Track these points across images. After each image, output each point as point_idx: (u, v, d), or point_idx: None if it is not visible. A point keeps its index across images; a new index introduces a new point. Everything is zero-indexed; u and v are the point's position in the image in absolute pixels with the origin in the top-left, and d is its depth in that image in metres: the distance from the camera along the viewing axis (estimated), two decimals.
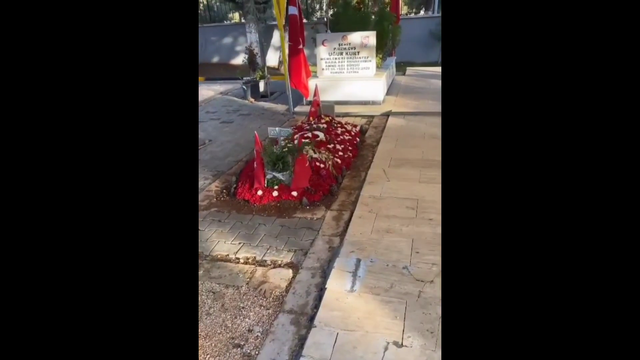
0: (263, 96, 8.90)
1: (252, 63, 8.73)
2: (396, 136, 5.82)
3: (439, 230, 3.42)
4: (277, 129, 4.35)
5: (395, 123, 6.48)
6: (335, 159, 4.95)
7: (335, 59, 7.50)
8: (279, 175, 4.26)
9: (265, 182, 4.30)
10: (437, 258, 3.07)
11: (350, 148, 5.42)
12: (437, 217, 3.62)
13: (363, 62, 7.40)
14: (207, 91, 9.93)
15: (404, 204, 3.91)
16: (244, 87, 8.74)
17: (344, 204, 4.16)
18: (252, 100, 8.67)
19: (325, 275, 3.08)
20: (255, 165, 4.32)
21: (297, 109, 7.53)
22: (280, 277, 3.13)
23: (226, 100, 8.92)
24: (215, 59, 15.05)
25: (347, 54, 7.43)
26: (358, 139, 5.85)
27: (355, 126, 6.32)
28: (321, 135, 5.46)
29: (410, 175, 4.49)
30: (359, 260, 3.11)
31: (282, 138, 4.36)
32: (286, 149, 4.16)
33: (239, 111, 8.02)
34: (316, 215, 3.99)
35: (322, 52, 7.53)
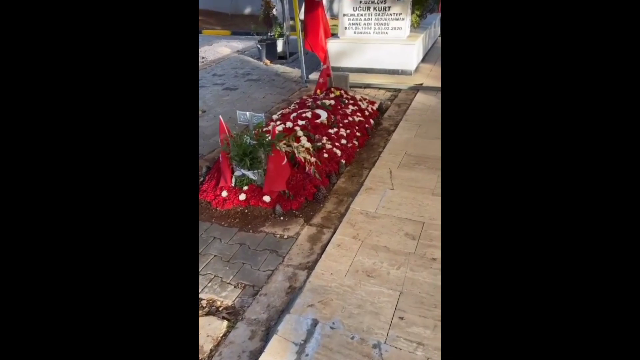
0: (281, 57, 7.81)
1: (268, 18, 7.58)
2: (420, 120, 4.65)
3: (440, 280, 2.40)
4: (247, 113, 3.37)
5: (423, 101, 5.25)
6: (334, 149, 3.93)
7: (361, 15, 6.22)
8: (250, 174, 3.33)
9: (233, 180, 3.40)
10: (428, 332, 2.09)
11: (358, 134, 4.35)
12: None
13: (394, 20, 6.08)
14: (224, 48, 8.96)
15: (404, 229, 2.88)
16: (259, 46, 7.67)
17: (328, 218, 3.20)
18: (268, 62, 7.62)
19: (267, 339, 2.21)
20: (220, 158, 3.41)
21: (313, 76, 6.41)
22: (207, 333, 2.29)
23: (239, 61, 7.92)
24: (247, 10, 13.87)
25: (375, 9, 6.12)
26: (372, 121, 4.74)
27: (372, 103, 5.17)
28: (323, 116, 4.42)
29: (423, 183, 3.40)
30: (315, 323, 2.20)
31: (252, 126, 3.38)
32: (256, 141, 3.19)
33: (248, 75, 7.03)
34: (288, 232, 3.07)
35: (346, 6, 6.26)
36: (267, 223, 3.19)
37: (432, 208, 3.07)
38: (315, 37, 6.20)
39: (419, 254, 2.64)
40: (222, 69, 7.46)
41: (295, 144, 3.64)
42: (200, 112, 5.48)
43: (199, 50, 8.88)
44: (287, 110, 4.84)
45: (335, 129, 4.27)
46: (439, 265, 2.52)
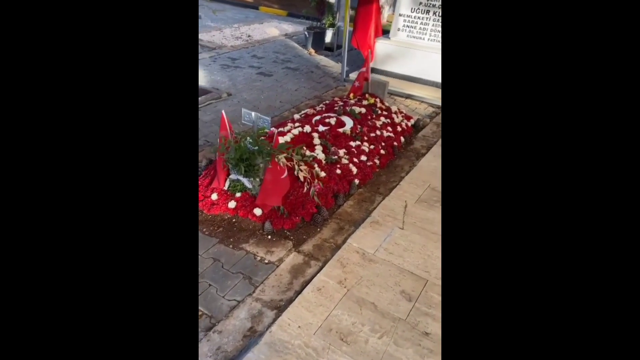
0: (328, 48, 7.35)
1: (322, 4, 7.10)
2: None
3: None
4: (252, 114, 2.98)
5: None
6: (350, 165, 3.48)
7: (418, 18, 5.63)
8: (245, 181, 2.96)
9: (227, 183, 3.04)
10: None
11: (382, 152, 3.87)
12: (439, 328, 2.11)
13: None
14: (273, 29, 8.60)
15: (401, 284, 2.42)
16: (306, 33, 7.24)
17: (321, 247, 2.78)
18: (312, 51, 7.18)
19: None
20: (216, 157, 3.04)
21: (354, 75, 5.92)
22: None
23: (283, 46, 7.53)
24: None
25: (435, 14, 5.51)
26: (403, 139, 4.23)
27: (408, 118, 4.64)
28: (348, 126, 3.96)
29: (439, 228, 2.90)
30: None
31: (257, 129, 2.99)
32: (256, 147, 2.80)
33: (288, 62, 6.63)
34: (271, 256, 2.68)
35: (403, 5, 5.69)
36: (251, 240, 2.81)
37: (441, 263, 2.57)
38: (364, 33, 5.73)
39: (411, 322, 2.18)
40: (264, 51, 7.10)
41: (306, 153, 3.24)
42: (225, 95, 5.15)
43: (248, 27, 8.58)
44: (313, 111, 4.41)
45: (358, 142, 3.81)
46: (431, 344, 2.05)
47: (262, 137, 2.87)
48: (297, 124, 3.85)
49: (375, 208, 3.14)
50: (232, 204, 2.95)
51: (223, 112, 2.95)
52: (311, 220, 2.98)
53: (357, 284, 2.39)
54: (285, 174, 2.87)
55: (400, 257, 2.61)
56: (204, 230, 2.86)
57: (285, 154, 2.76)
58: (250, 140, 2.89)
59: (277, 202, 2.91)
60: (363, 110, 4.29)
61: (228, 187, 3.03)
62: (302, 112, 4.45)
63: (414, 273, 2.50)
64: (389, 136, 4.11)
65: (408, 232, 2.84)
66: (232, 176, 3.01)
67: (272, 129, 3.10)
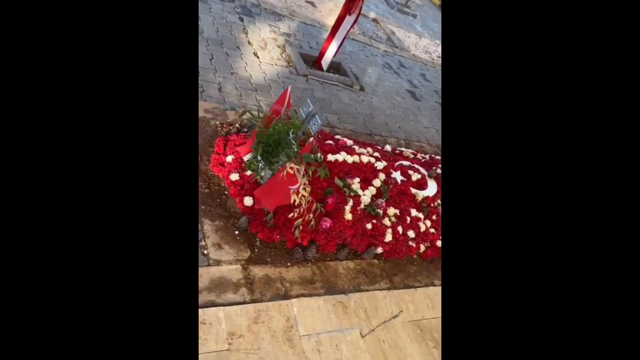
0: None
1: None
2: None
3: None
4: (311, 107, 2.51)
5: None
6: (388, 231, 2.81)
7: None
8: (260, 165, 2.57)
9: (248, 156, 2.70)
10: None
11: (439, 244, 3.07)
12: None
13: None
14: None
15: None
16: None
17: (270, 283, 2.28)
18: None
19: None
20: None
21: None
22: None
23: None
24: None
25: None
26: None
27: None
28: (426, 192, 3.23)
29: None
30: None
31: (307, 124, 2.52)
32: (289, 140, 2.37)
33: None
34: (214, 252, 2.28)
35: None
36: (218, 222, 2.45)
37: None
38: None
39: None
40: (437, 77, 6.44)
41: (352, 186, 2.71)
42: (356, 87, 4.76)
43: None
44: (410, 155, 3.75)
45: (421, 215, 3.08)
46: None
47: (302, 134, 2.42)
48: (376, 154, 3.28)
49: (365, 291, 2.47)
50: (234, 176, 2.61)
51: (289, 87, 2.57)
52: (292, 248, 2.48)
53: (243, 352, 1.85)
54: (297, 185, 2.39)
55: None
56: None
57: (303, 166, 2.27)
58: (292, 130, 2.47)
59: (270, 206, 2.46)
60: None
61: (247, 160, 2.69)
62: (402, 148, 3.83)
63: None
64: None
65: (364, 345, 2.14)
66: (254, 153, 2.65)
67: (314, 134, 2.61)
